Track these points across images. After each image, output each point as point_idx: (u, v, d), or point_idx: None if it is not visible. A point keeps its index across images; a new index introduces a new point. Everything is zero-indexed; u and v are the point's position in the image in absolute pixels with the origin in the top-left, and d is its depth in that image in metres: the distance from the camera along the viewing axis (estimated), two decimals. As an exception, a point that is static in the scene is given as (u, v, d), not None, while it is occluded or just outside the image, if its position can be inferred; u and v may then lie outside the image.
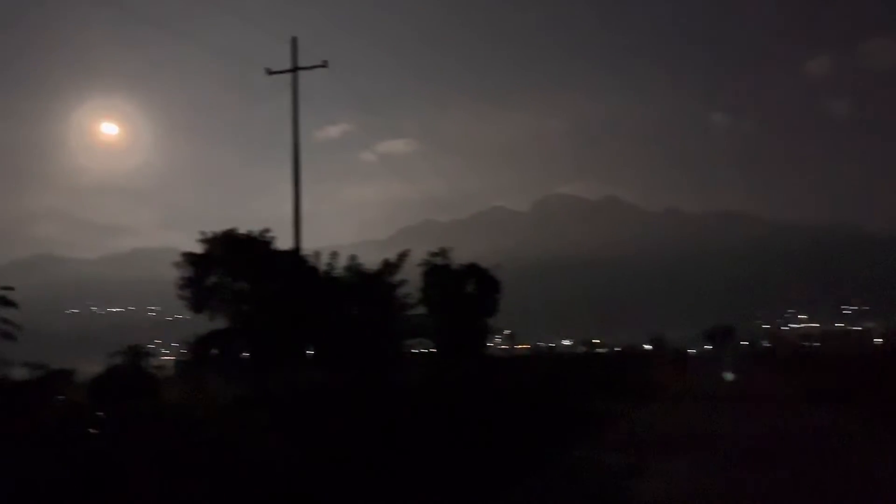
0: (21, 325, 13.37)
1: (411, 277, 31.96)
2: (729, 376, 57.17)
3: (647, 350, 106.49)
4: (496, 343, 56.44)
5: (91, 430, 10.51)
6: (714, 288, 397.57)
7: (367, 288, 27.95)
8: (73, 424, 10.67)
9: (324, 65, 25.65)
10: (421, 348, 36.49)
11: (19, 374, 12.70)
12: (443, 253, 35.60)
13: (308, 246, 29.40)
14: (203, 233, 27.83)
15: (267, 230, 28.56)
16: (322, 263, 27.99)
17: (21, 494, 7.63)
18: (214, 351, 26.59)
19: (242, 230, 28.43)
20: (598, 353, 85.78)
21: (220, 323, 27.07)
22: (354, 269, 28.41)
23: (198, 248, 28.20)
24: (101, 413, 11.70)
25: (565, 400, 24.71)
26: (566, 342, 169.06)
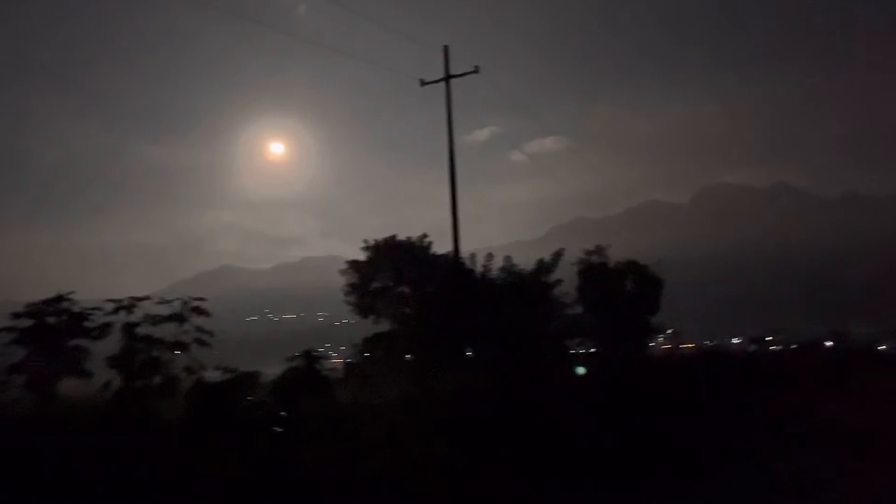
0: (212, 332, 14.62)
1: (567, 277, 31.58)
2: None
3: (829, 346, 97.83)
4: (659, 342, 54.26)
5: (276, 429, 11.30)
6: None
7: (523, 288, 27.98)
8: (261, 422, 11.48)
9: (475, 71, 25.98)
10: (580, 348, 35.92)
11: (213, 376, 13.89)
12: (599, 251, 34.85)
13: (462, 248, 29.99)
14: (365, 241, 29.25)
15: (424, 235, 29.50)
16: (478, 265, 28.42)
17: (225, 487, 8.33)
18: (379, 353, 27.76)
19: (401, 236, 29.59)
20: (774, 351, 79.89)
21: (384, 326, 28.28)
22: (510, 270, 28.56)
23: (360, 255, 29.69)
24: (284, 412, 12.56)
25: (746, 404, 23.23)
26: (735, 340, 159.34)
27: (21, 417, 11.47)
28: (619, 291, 33.52)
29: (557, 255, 29.57)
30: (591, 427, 12.94)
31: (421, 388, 15.73)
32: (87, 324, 14.61)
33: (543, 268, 28.80)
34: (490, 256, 28.82)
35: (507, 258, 29.10)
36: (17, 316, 14.06)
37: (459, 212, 24.44)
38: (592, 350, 34.40)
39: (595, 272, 33.64)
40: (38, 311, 14.33)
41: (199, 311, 16.01)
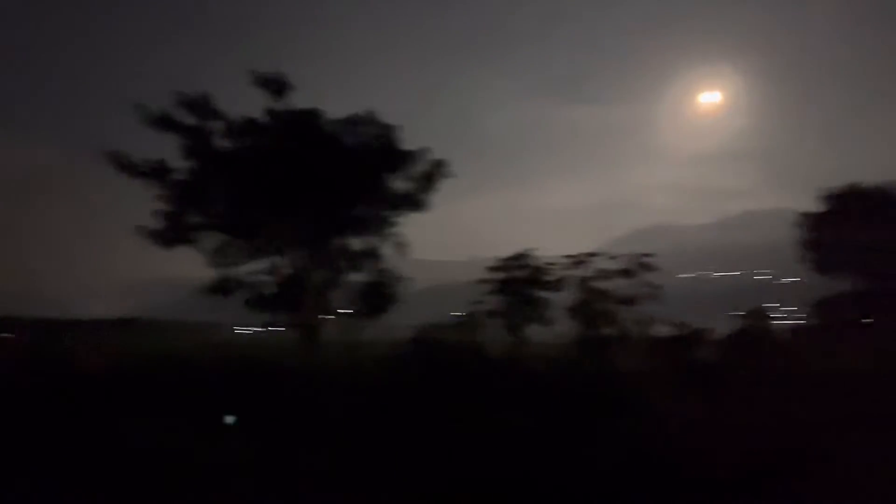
0: (660, 287, 14.78)
1: None
2: None
3: None
4: None
5: (733, 389, 10.96)
6: None
7: None
8: (717, 378, 11.26)
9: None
10: None
11: (662, 330, 14.09)
12: None
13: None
14: (821, 190, 26.07)
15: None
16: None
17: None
18: (839, 315, 24.72)
19: (867, 182, 25.55)
20: None
21: (844, 285, 25.00)
22: None
23: (814, 206, 26.59)
24: (735, 371, 12.11)
25: None
26: None
27: (497, 356, 13.34)
28: None
29: None
30: None
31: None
32: (546, 277, 16.16)
33: None
34: None
35: None
36: (492, 269, 16.23)
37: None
38: None
39: None
40: (507, 265, 16.34)
41: (646, 267, 16.41)
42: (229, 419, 9.75)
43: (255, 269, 20.33)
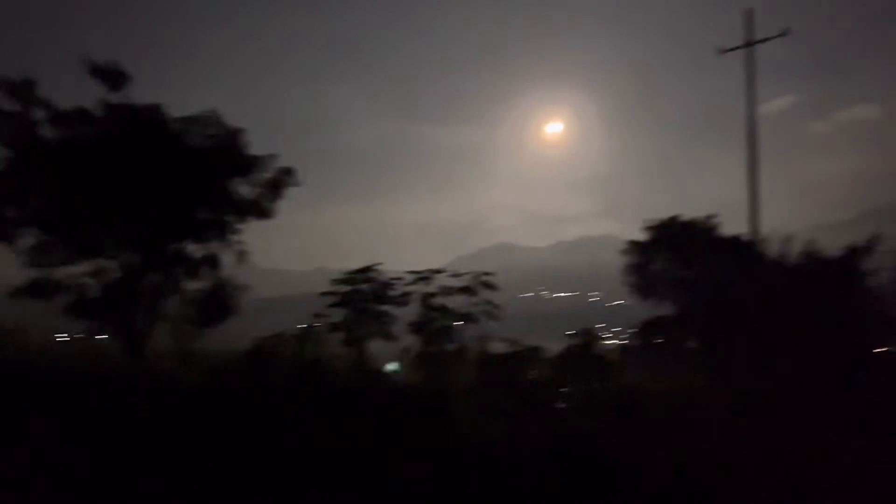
0: (499, 305, 15.34)
1: (885, 267, 27.45)
2: None
3: None
4: None
5: (558, 405, 11.52)
6: None
7: (828, 276, 24.93)
8: (544, 396, 11.77)
9: (783, 34, 23.52)
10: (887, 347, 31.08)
11: (498, 347, 14.61)
12: (927, 238, 29.70)
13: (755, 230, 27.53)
14: (647, 220, 28.31)
15: (712, 215, 27.70)
16: (772, 249, 25.94)
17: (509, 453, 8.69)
18: (658, 338, 26.82)
19: (685, 216, 28.10)
20: None
21: (664, 309, 27.22)
22: (812, 256, 25.59)
23: (640, 236, 28.84)
24: (566, 389, 12.75)
25: None
26: None
27: (338, 369, 13.21)
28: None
29: (874, 240, 25.75)
30: None
31: (710, 379, 14.89)
32: (391, 292, 16.29)
33: (856, 254, 25.31)
34: (788, 239, 26.08)
35: (810, 241, 26.07)
36: (337, 282, 16.10)
37: (759, 189, 22.48)
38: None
39: (922, 263, 28.74)
40: (353, 278, 16.28)
41: (487, 285, 17.03)
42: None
43: (79, 272, 18.75)
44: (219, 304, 19.63)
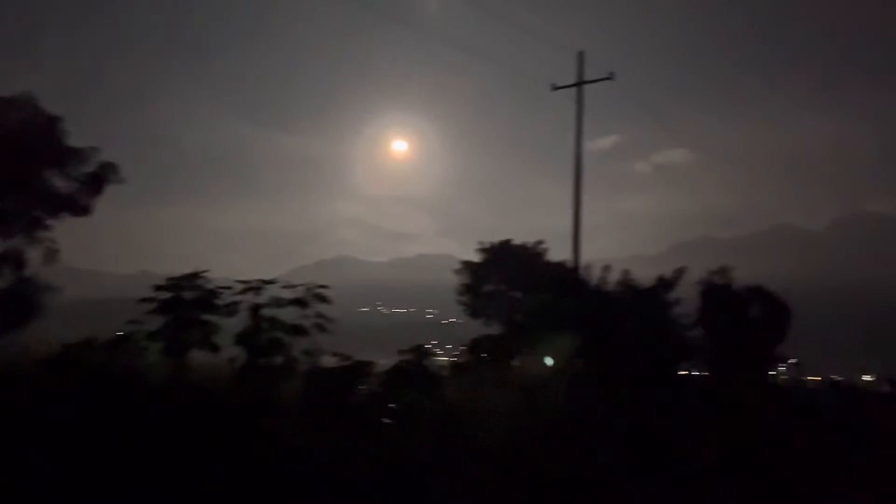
0: (332, 319, 15.11)
1: (687, 297, 30.36)
2: None
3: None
4: (779, 372, 51.19)
5: (385, 420, 11.54)
6: None
7: (639, 304, 27.15)
8: (372, 412, 11.75)
9: (610, 77, 25.47)
10: (692, 371, 34.43)
11: (329, 361, 14.37)
12: (723, 272, 33.27)
13: (578, 258, 29.44)
14: (481, 242, 29.40)
15: (540, 242, 29.29)
16: (593, 277, 27.84)
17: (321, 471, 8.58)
18: (486, 356, 27.75)
19: (517, 240, 29.53)
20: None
21: (494, 329, 28.28)
22: (627, 284, 27.77)
23: (474, 257, 29.87)
24: (392, 404, 12.80)
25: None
26: (867, 377, 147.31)
27: (156, 383, 12.37)
28: (742, 316, 31.88)
29: (679, 273, 28.45)
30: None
31: (529, 396, 15.60)
32: (217, 301, 15.53)
33: (663, 284, 27.80)
34: (607, 268, 28.15)
35: (626, 271, 28.31)
36: (158, 288, 15.09)
37: (581, 220, 24.05)
38: (704, 374, 32.90)
39: (718, 294, 32.14)
40: (176, 285, 15.34)
41: (321, 298, 16.71)
42: None
43: None
44: (21, 304, 17.83)
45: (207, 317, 15.83)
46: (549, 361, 24.60)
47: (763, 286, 33.45)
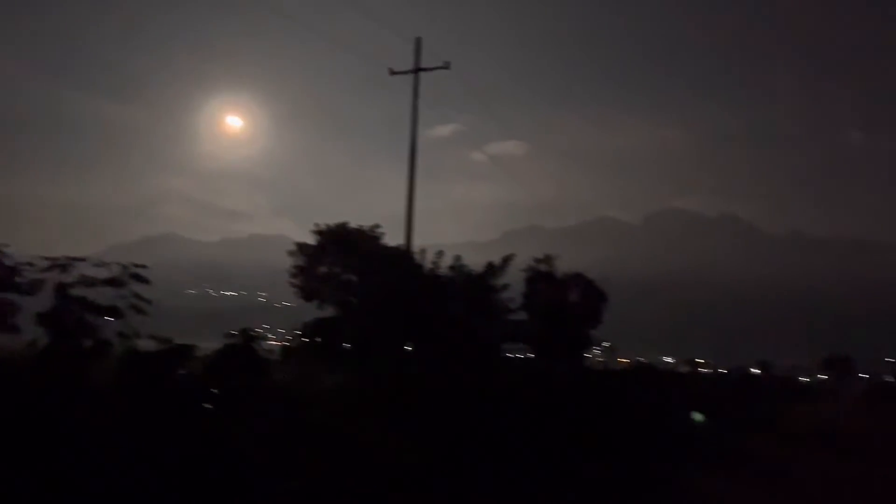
0: (151, 300, 14.29)
1: (514, 282, 31.89)
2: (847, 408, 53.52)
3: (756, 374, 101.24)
4: (595, 354, 55.40)
5: (205, 405, 11.09)
6: (837, 321, 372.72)
7: (470, 289, 28.11)
8: (192, 396, 11.24)
9: (446, 66, 25.96)
10: (517, 353, 36.31)
11: (146, 345, 13.57)
12: (547, 260, 35.33)
13: (413, 243, 29.93)
14: (316, 225, 28.99)
15: (377, 226, 29.37)
16: (427, 261, 28.42)
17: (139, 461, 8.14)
18: (318, 339, 27.50)
19: (353, 224, 29.42)
20: (702, 374, 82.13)
21: (327, 312, 28.05)
22: (458, 270, 28.63)
23: (310, 239, 29.40)
24: (215, 389, 12.33)
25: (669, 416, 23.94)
26: (668, 359, 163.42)
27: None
28: (563, 301, 34.06)
29: (507, 260, 29.78)
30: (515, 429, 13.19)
31: (358, 376, 15.68)
32: (18, 279, 14.15)
33: (492, 271, 28.98)
34: (441, 253, 28.85)
35: (458, 257, 29.16)
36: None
37: (415, 206, 24.42)
38: (529, 355, 34.85)
39: (542, 280, 34.10)
40: (-32, 259, 13.81)
41: (139, 279, 15.74)
42: None
43: None
44: None
45: (6, 295, 14.41)
46: (381, 343, 24.83)
47: (582, 273, 35.90)
